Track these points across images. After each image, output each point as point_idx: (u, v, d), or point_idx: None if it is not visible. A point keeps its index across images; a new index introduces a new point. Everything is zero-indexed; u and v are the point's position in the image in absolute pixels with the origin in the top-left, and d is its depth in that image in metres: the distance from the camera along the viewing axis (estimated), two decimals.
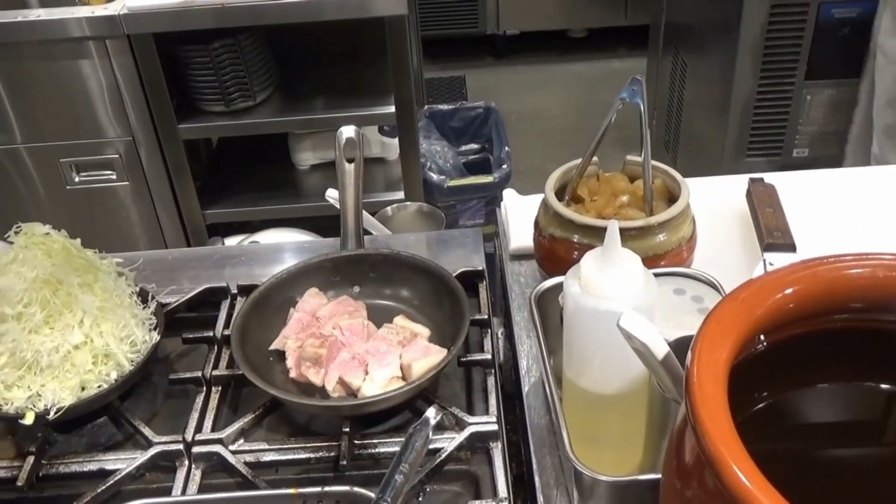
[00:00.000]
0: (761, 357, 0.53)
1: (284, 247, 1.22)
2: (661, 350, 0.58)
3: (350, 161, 1.02)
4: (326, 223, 1.90)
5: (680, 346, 0.61)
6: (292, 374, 0.89)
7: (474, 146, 2.87)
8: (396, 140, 2.28)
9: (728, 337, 0.50)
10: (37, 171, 2.31)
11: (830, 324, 0.54)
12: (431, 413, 0.64)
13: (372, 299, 1.00)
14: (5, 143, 2.26)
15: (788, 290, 0.52)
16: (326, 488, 0.68)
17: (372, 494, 0.63)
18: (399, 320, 0.94)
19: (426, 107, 2.88)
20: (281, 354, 0.93)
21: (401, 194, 2.28)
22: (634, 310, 0.61)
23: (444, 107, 2.85)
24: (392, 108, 2.18)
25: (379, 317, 0.96)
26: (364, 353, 0.88)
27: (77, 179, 2.30)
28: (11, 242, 0.90)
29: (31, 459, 0.83)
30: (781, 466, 0.48)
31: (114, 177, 2.29)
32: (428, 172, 2.45)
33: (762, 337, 0.53)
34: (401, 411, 0.89)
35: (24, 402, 0.84)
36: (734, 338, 0.50)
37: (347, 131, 1.01)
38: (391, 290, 1.01)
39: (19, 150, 2.27)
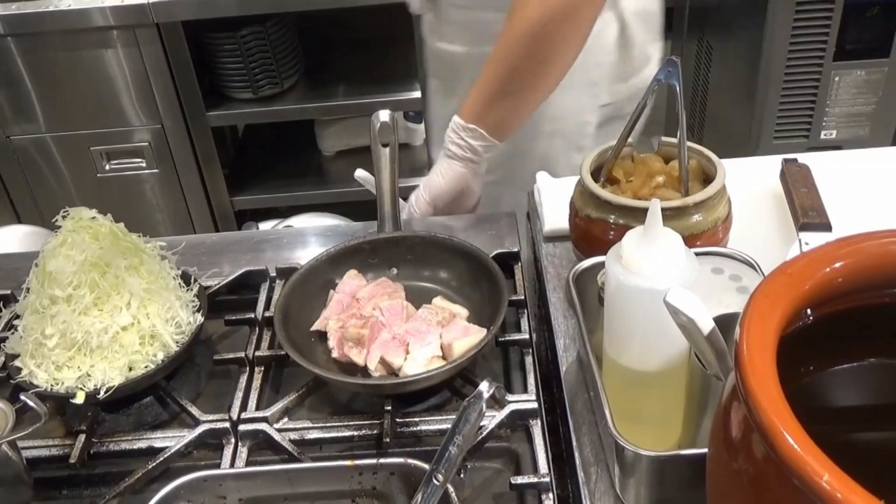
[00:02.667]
0: (808, 331, 0.54)
1: (320, 230, 1.23)
2: (707, 325, 0.59)
3: (385, 145, 1.03)
4: (353, 209, 1.92)
5: (721, 324, 0.62)
6: (334, 355, 0.91)
7: None
8: (422, 125, 2.29)
9: (776, 310, 0.50)
10: (67, 159, 2.35)
11: (878, 299, 0.55)
12: (485, 386, 0.65)
13: (410, 281, 1.02)
14: (32, 132, 2.29)
15: (837, 265, 0.53)
16: (381, 460, 0.70)
17: (426, 466, 0.65)
18: (438, 301, 0.96)
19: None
20: (322, 335, 0.94)
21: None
22: None
23: None
24: (417, 94, 2.19)
25: (417, 298, 0.98)
26: (404, 333, 0.89)
27: (108, 167, 2.33)
28: (59, 227, 0.92)
29: (82, 438, 0.85)
30: (828, 439, 0.49)
31: (143, 164, 2.32)
32: None
33: (809, 311, 0.54)
34: (440, 391, 0.90)
35: (75, 383, 0.86)
36: (782, 311, 0.51)
37: (383, 115, 1.02)
38: (429, 272, 1.03)
39: (45, 139, 2.31)
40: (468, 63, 1.23)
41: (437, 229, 1.09)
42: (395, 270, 1.03)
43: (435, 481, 0.61)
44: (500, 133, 1.12)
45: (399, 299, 0.95)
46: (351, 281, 0.99)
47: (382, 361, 0.88)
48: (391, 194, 1.04)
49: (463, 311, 0.95)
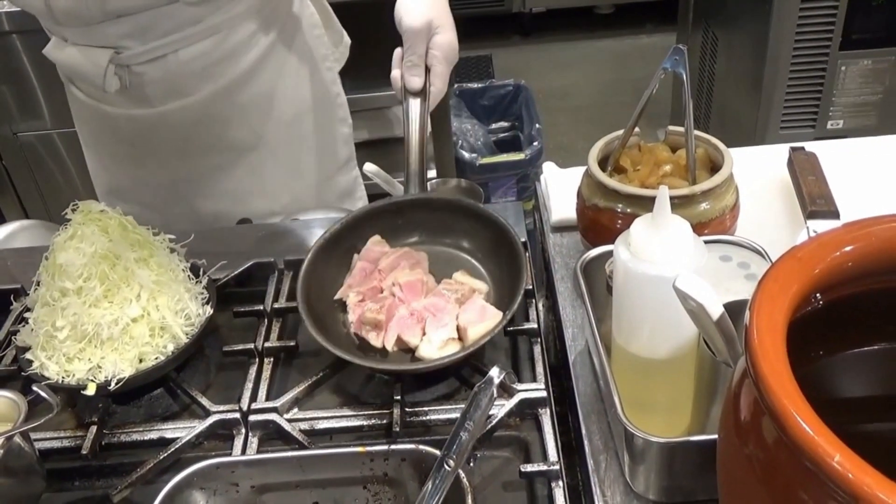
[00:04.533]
0: (818, 315, 0.54)
1: (327, 222, 1.23)
2: (716, 311, 0.59)
3: (416, 95, 0.99)
4: None
5: (730, 311, 0.62)
6: (353, 329, 0.92)
7: (504, 124, 2.87)
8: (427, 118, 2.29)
9: (786, 293, 0.50)
10: (74, 156, 2.35)
11: (887, 283, 0.55)
12: (495, 372, 0.65)
13: (433, 246, 1.01)
14: (38, 129, 2.30)
15: (846, 249, 0.53)
16: (393, 446, 0.70)
17: (437, 452, 0.65)
18: (458, 276, 0.96)
19: (455, 85, 2.88)
20: (344, 305, 0.95)
21: (433, 173, 2.30)
22: None
23: (475, 85, 2.85)
24: None
25: (440, 265, 0.98)
26: (422, 309, 0.90)
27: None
28: (68, 220, 0.92)
29: (93, 429, 0.85)
30: (837, 422, 0.49)
31: None
32: (460, 151, 2.46)
33: (819, 296, 0.54)
34: (447, 378, 0.91)
35: (86, 374, 0.87)
36: (792, 295, 0.51)
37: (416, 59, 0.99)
38: (452, 239, 1.01)
39: (51, 135, 2.31)
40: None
41: None
42: (419, 236, 1.01)
43: (446, 467, 0.61)
44: None
45: (419, 272, 0.94)
46: (374, 247, 0.98)
47: (399, 341, 0.89)
48: (419, 151, 0.99)
49: (483, 287, 0.94)
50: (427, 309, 0.90)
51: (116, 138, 1.28)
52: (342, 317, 0.95)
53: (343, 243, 0.99)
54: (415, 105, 1.00)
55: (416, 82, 1.01)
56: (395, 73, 1.04)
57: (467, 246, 1.01)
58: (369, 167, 1.18)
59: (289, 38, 1.26)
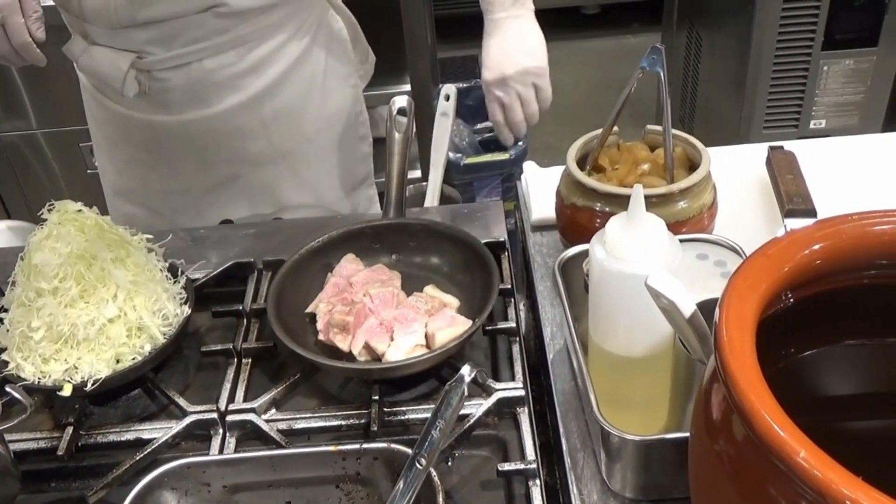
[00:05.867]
0: (788, 313, 0.55)
1: (308, 223, 1.23)
2: (688, 308, 0.59)
3: (399, 131, 1.03)
4: None
5: (704, 309, 0.62)
6: (321, 337, 0.92)
7: (489, 124, 2.86)
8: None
9: (755, 291, 0.51)
10: (57, 155, 2.34)
11: (857, 280, 0.55)
12: (466, 370, 0.65)
13: (408, 268, 1.02)
14: (23, 129, 2.28)
15: (815, 247, 0.53)
16: (365, 445, 0.70)
17: (409, 451, 0.65)
18: (429, 290, 0.96)
19: (441, 86, 2.87)
20: (315, 318, 0.95)
21: (417, 173, 2.29)
22: None
23: (460, 85, 2.84)
24: (408, 87, 2.19)
25: (413, 286, 0.98)
26: (391, 319, 0.90)
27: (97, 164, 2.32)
28: (44, 220, 0.91)
29: (69, 430, 0.85)
30: (807, 420, 0.50)
31: None
32: None
33: (789, 293, 0.54)
34: (427, 379, 0.90)
35: (62, 375, 0.86)
36: (761, 293, 0.51)
37: (400, 101, 1.03)
38: (427, 259, 1.03)
39: (36, 135, 2.30)
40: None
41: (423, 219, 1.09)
42: (395, 257, 1.03)
43: (418, 465, 0.61)
44: None
45: (391, 287, 0.95)
46: (348, 265, 0.99)
47: (367, 347, 0.89)
48: (399, 180, 1.05)
49: (454, 301, 0.95)
50: (396, 319, 0.90)
51: (132, 142, 1.26)
52: (312, 328, 0.95)
53: (316, 263, 1.00)
54: (398, 139, 1.05)
55: None
56: None
57: (439, 264, 1.02)
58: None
59: (315, 53, 1.25)
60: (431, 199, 1.30)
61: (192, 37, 1.11)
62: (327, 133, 1.30)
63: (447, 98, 1.24)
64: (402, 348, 0.87)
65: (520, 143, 2.51)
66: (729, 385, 0.46)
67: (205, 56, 1.13)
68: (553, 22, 4.38)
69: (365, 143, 1.39)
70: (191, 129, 1.20)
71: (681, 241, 0.74)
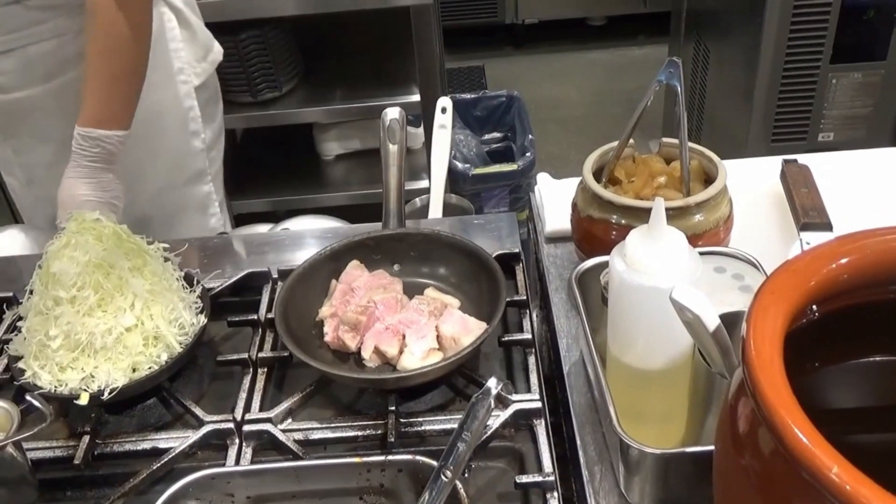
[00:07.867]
0: (814, 327, 0.55)
1: (321, 232, 1.24)
2: (712, 322, 0.59)
3: (393, 143, 1.04)
4: (352, 212, 1.92)
5: (725, 323, 0.62)
6: (328, 339, 0.92)
7: (497, 135, 2.87)
8: (421, 129, 2.30)
9: (782, 305, 0.51)
10: None
11: (882, 295, 0.55)
12: (493, 383, 0.65)
13: (411, 277, 1.03)
14: None
15: (841, 261, 0.53)
16: (390, 457, 0.70)
17: (434, 463, 0.65)
18: (429, 292, 0.97)
19: (448, 96, 2.88)
20: (323, 326, 0.95)
21: (425, 183, 2.30)
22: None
23: (467, 96, 2.86)
24: (416, 98, 2.19)
25: (415, 293, 0.99)
26: (398, 323, 0.90)
27: None
28: (62, 228, 0.92)
29: (86, 439, 0.85)
30: (832, 433, 0.50)
31: None
32: (452, 161, 2.46)
33: (815, 307, 0.54)
34: (439, 386, 0.91)
35: (79, 384, 0.86)
36: (788, 307, 0.51)
37: (392, 113, 1.03)
38: (430, 269, 1.03)
39: None
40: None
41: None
42: (397, 267, 1.04)
43: (443, 478, 0.61)
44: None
45: (393, 292, 0.96)
46: (353, 271, 1.00)
47: (377, 351, 0.89)
48: (397, 191, 1.06)
49: (454, 302, 0.96)
50: (402, 322, 0.91)
51: None
52: (320, 341, 0.95)
53: (321, 274, 1.01)
54: (393, 151, 1.05)
55: None
56: None
57: (444, 273, 1.03)
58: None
59: None
60: (435, 210, 1.30)
61: (10, 26, 1.17)
62: (152, 125, 1.32)
63: (444, 111, 1.26)
64: (416, 354, 0.87)
65: (527, 154, 2.51)
66: (758, 399, 0.46)
67: (28, 43, 1.19)
68: (559, 33, 4.41)
69: (196, 138, 1.42)
70: (25, 106, 1.25)
71: (699, 254, 0.75)
